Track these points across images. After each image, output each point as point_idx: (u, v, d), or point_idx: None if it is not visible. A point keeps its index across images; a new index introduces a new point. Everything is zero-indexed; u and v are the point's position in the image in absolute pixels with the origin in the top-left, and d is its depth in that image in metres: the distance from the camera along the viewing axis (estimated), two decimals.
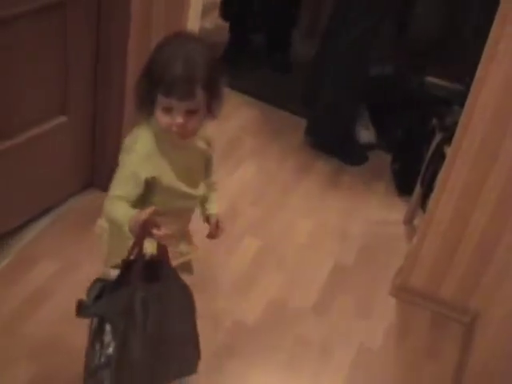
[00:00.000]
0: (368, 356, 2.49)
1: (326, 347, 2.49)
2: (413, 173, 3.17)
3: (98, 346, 1.76)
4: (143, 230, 1.63)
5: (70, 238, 2.63)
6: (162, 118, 1.70)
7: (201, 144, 1.89)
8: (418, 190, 3.09)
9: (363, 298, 2.74)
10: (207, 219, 1.98)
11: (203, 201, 1.99)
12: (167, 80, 1.64)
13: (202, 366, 2.28)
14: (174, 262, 1.84)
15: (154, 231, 1.63)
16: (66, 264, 2.52)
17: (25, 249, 2.60)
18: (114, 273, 1.77)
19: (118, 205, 1.73)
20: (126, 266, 1.72)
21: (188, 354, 1.90)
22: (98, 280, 1.80)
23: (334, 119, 3.54)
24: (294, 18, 4.29)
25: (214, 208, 2.00)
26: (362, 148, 3.69)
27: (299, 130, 3.69)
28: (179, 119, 1.68)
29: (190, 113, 1.69)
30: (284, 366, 2.39)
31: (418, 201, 3.10)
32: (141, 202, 1.75)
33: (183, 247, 1.99)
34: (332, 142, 3.59)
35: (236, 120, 3.73)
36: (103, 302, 1.74)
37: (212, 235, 1.96)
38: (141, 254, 1.68)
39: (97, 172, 2.97)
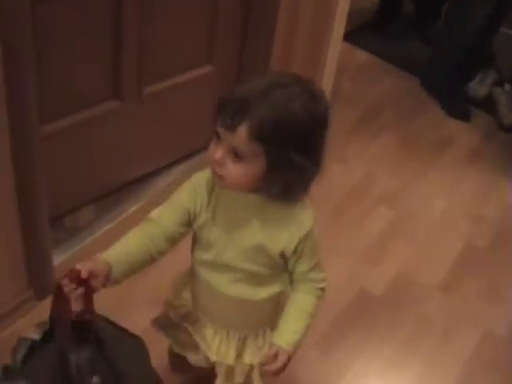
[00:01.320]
0: (492, 343, 2.43)
1: (449, 328, 2.45)
2: None
3: None
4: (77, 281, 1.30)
5: None
6: (209, 147, 1.39)
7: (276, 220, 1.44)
8: None
9: (493, 283, 2.67)
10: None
11: (278, 310, 1.57)
12: (222, 99, 1.34)
13: (323, 326, 2.34)
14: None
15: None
16: None
17: (156, 196, 2.68)
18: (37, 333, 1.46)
19: (134, 230, 1.47)
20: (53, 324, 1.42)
21: None
22: (23, 339, 1.48)
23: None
24: None
25: (281, 338, 1.49)
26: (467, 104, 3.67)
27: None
28: (218, 153, 1.33)
29: (236, 155, 1.32)
30: (403, 340, 2.38)
31: None
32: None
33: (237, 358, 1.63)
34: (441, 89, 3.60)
35: (379, 88, 3.67)
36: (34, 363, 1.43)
37: (266, 366, 1.49)
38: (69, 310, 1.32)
39: None
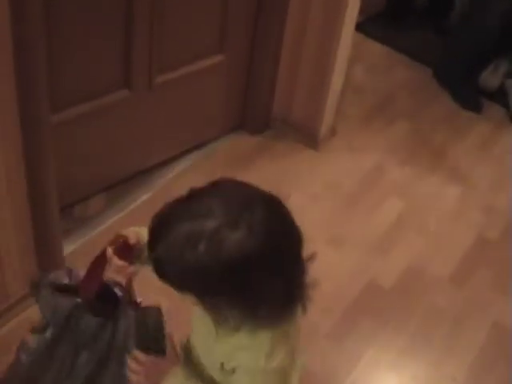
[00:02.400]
0: (502, 334, 2.42)
1: (460, 319, 2.44)
2: None
3: None
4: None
5: (211, 179, 2.69)
6: None
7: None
8: None
9: (503, 275, 2.65)
10: None
11: None
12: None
13: (334, 316, 2.34)
14: None
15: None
16: None
17: (167, 184, 2.70)
18: None
19: None
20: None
21: None
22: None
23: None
24: None
25: None
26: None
27: None
28: None
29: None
30: (414, 331, 2.37)
31: None
32: None
33: None
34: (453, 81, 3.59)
35: (391, 78, 3.65)
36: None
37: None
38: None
39: (247, 115, 2.99)
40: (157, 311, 1.42)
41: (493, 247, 2.77)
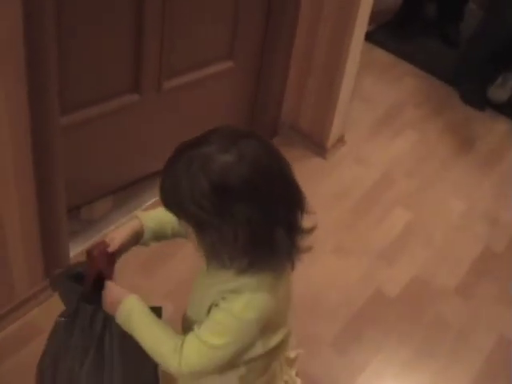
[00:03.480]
0: (507, 347, 2.41)
1: (465, 331, 2.43)
2: None
3: None
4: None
5: None
6: None
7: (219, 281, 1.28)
8: None
9: (509, 288, 2.64)
10: None
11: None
12: None
13: (339, 325, 2.33)
14: None
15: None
16: None
17: None
18: None
19: None
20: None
21: None
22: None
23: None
24: None
25: (132, 302, 1.37)
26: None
27: (463, 106, 3.58)
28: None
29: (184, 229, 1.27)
30: (419, 342, 2.37)
31: None
32: None
33: None
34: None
35: (399, 88, 3.64)
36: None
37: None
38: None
39: (256, 121, 2.98)
40: (157, 310, 1.43)
41: (498, 259, 2.76)
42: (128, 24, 2.22)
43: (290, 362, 1.56)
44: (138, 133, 2.51)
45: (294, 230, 1.22)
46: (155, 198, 2.62)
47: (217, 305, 1.25)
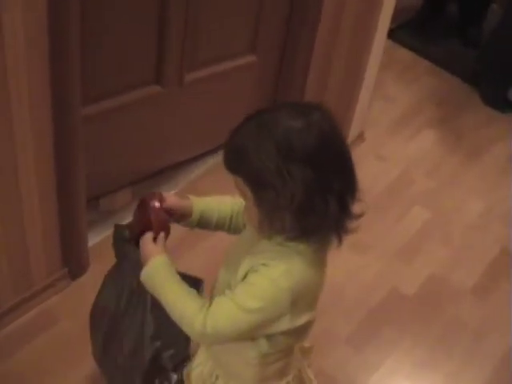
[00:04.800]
0: None
1: (480, 332, 2.42)
2: None
3: None
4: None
5: None
6: None
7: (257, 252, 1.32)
8: None
9: None
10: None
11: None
12: None
13: (354, 323, 2.33)
14: None
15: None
16: None
17: (193, 181, 2.70)
18: None
19: (228, 197, 1.54)
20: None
21: None
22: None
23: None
24: None
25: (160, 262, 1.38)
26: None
27: (483, 107, 3.57)
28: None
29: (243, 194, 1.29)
30: (435, 341, 2.36)
31: None
32: None
33: None
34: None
35: (419, 87, 3.64)
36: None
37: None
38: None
39: None
40: (197, 281, 1.45)
41: None
42: (152, 16, 2.23)
43: (304, 352, 1.57)
44: (158, 125, 2.52)
45: (345, 207, 1.26)
46: (174, 190, 2.63)
47: (255, 270, 1.26)
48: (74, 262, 2.22)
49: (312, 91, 2.97)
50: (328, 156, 1.21)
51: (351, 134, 2.97)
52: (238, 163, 1.24)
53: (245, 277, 1.29)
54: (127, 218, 2.46)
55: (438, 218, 2.84)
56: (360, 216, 1.30)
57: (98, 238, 2.35)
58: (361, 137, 3.07)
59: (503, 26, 3.59)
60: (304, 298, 1.30)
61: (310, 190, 1.19)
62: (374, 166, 3.01)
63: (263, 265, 1.25)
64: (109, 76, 2.23)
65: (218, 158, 2.82)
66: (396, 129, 3.28)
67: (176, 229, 1.46)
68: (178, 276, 1.35)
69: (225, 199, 1.52)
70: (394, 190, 2.92)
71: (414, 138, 3.25)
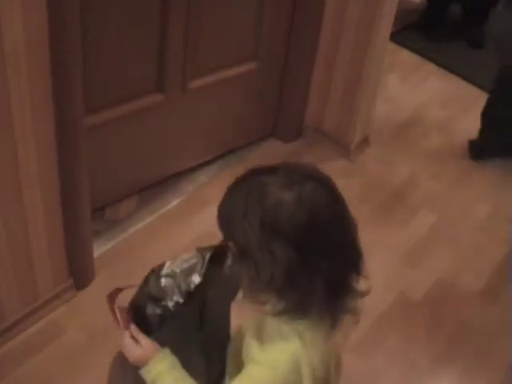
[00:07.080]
0: None
1: (488, 336, 2.40)
2: None
3: None
4: None
5: None
6: None
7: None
8: None
9: None
10: None
11: None
12: None
13: (360, 329, 2.30)
14: None
15: None
16: None
17: (197, 189, 2.70)
18: None
19: None
20: None
21: None
22: None
23: None
24: None
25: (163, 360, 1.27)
26: None
27: None
28: None
29: None
30: (442, 346, 2.34)
31: None
32: None
33: None
34: None
35: (424, 89, 3.63)
36: None
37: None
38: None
39: (280, 122, 2.99)
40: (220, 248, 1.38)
41: None
42: (153, 24, 2.23)
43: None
44: (162, 133, 2.52)
45: (339, 288, 1.17)
46: (179, 198, 2.63)
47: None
48: (79, 273, 2.22)
49: (315, 97, 2.97)
50: (316, 234, 1.12)
51: (356, 139, 2.97)
52: (225, 229, 1.20)
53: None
54: (132, 227, 2.48)
55: (444, 221, 2.83)
56: (366, 294, 1.23)
57: (104, 248, 2.36)
58: (366, 141, 3.06)
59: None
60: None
61: (291, 270, 1.11)
62: (379, 170, 3.00)
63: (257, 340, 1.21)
64: (111, 85, 2.23)
65: (222, 164, 2.83)
66: (401, 132, 3.27)
67: None
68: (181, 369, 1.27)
69: None
70: (399, 193, 2.91)
71: (419, 141, 3.23)
